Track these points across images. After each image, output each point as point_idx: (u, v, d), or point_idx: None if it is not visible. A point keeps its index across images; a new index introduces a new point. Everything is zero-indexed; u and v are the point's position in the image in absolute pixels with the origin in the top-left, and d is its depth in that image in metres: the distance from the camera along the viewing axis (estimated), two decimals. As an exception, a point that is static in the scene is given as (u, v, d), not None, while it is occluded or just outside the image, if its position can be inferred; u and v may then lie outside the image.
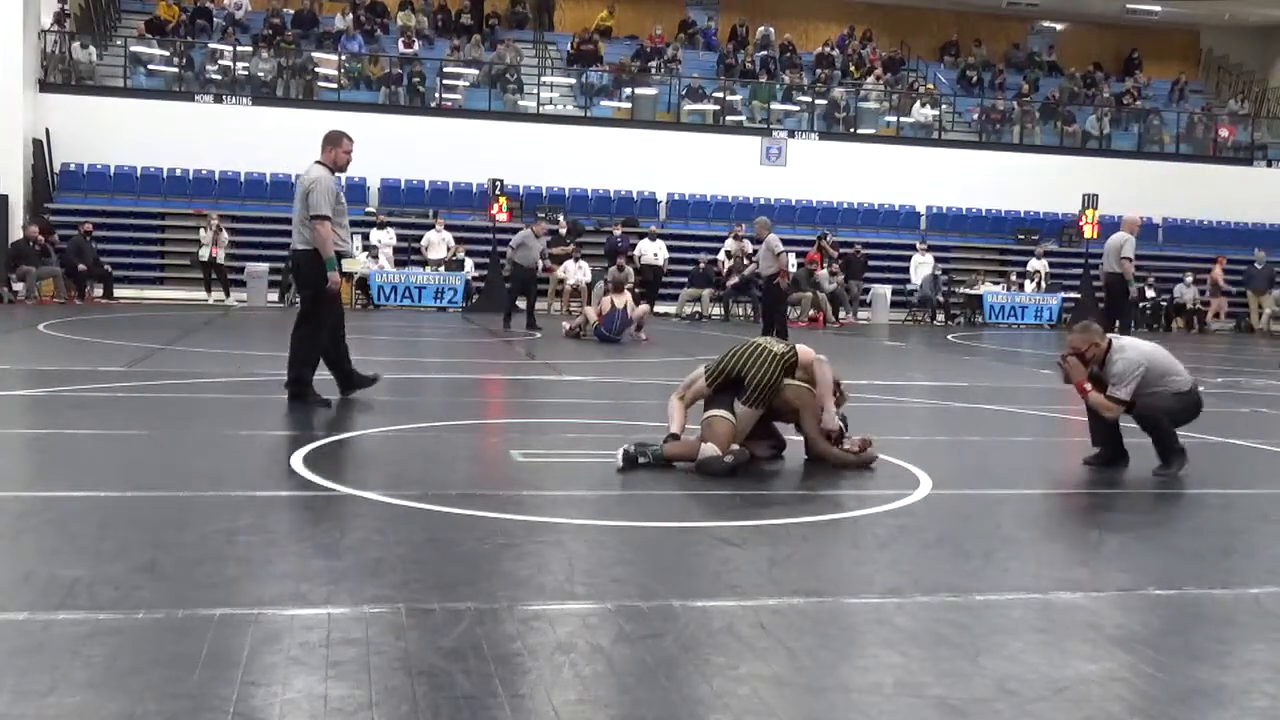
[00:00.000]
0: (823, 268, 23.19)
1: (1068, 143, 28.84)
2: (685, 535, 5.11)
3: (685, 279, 23.68)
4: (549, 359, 13.21)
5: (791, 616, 3.85)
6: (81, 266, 20.66)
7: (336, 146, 8.81)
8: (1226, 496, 6.50)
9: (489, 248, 22.54)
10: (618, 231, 23.96)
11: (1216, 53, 34.07)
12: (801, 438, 6.71)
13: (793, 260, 24.00)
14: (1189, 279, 25.79)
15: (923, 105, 28.66)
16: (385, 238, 22.62)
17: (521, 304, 18.49)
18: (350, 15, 27.37)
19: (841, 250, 24.43)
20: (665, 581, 4.26)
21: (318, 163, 8.83)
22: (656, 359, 13.66)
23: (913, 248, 25.75)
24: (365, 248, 22.34)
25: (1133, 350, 6.78)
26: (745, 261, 22.44)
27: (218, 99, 24.33)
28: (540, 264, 18.75)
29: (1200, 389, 7.05)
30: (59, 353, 12.42)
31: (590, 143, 25.63)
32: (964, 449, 7.94)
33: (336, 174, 8.92)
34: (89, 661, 3.21)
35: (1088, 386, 6.78)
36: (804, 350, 6.74)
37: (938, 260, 25.30)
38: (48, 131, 23.02)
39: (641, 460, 6.34)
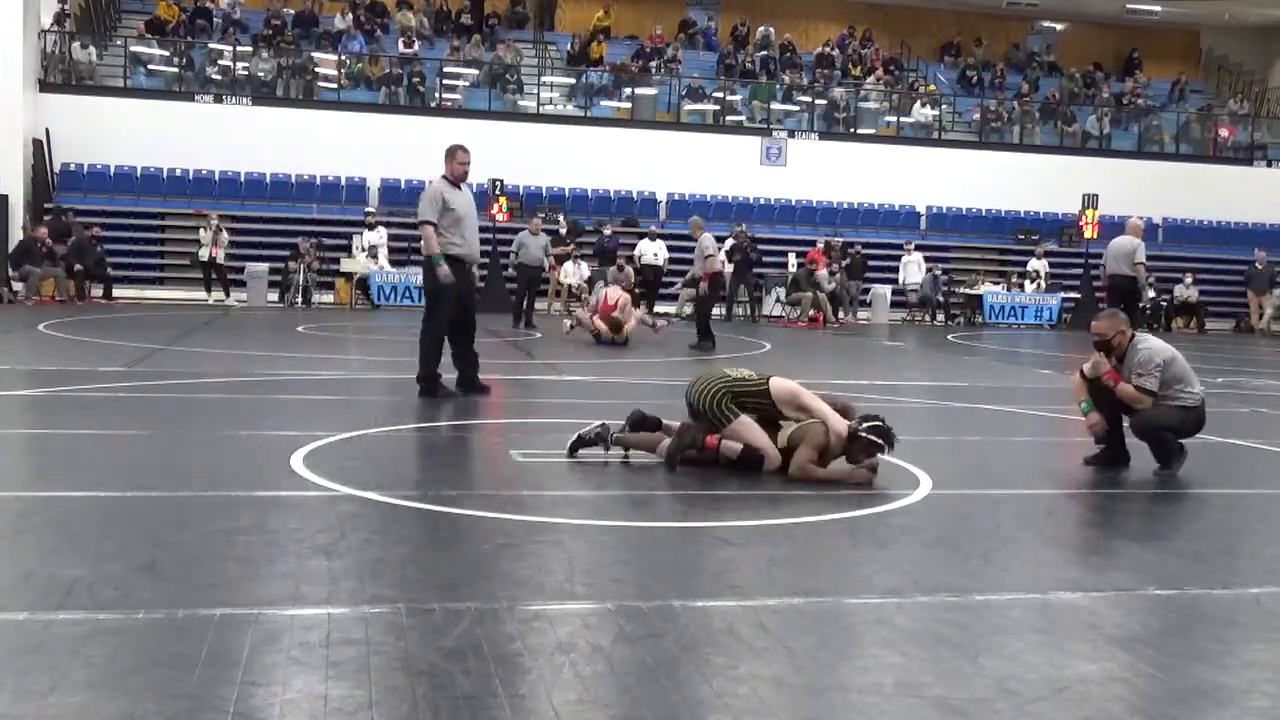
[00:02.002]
0: (824, 268, 23.16)
1: (1068, 143, 28.82)
2: (685, 535, 5.12)
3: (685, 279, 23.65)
4: (549, 359, 13.21)
5: (791, 616, 3.86)
6: (79, 267, 20.66)
7: (451, 159, 9.48)
8: (1226, 496, 6.50)
9: (489, 248, 22.52)
10: (607, 231, 23.80)
11: (1216, 53, 34.06)
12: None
13: (792, 260, 24.06)
14: (1189, 279, 25.81)
15: (923, 105, 28.65)
16: (375, 238, 22.58)
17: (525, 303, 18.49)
18: (350, 15, 27.37)
19: (847, 251, 24.44)
20: (665, 581, 4.26)
21: (442, 176, 9.45)
22: (658, 359, 13.66)
23: (914, 248, 25.74)
24: (365, 248, 22.37)
25: (1155, 342, 6.88)
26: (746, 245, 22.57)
27: (218, 99, 24.32)
28: (545, 261, 18.77)
29: (1205, 392, 7.05)
30: (59, 353, 12.41)
31: (590, 143, 25.62)
32: (964, 449, 7.94)
33: (458, 184, 9.48)
34: (89, 661, 3.21)
35: (1118, 376, 6.78)
36: (780, 385, 6.47)
37: (937, 260, 25.30)
38: (48, 131, 23.00)
39: (596, 444, 6.60)
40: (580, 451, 6.62)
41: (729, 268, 22.83)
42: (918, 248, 25.33)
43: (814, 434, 6.27)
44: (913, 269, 24.48)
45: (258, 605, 3.76)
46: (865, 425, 6.23)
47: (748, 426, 6.36)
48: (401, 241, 23.12)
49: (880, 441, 6.20)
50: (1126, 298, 14.81)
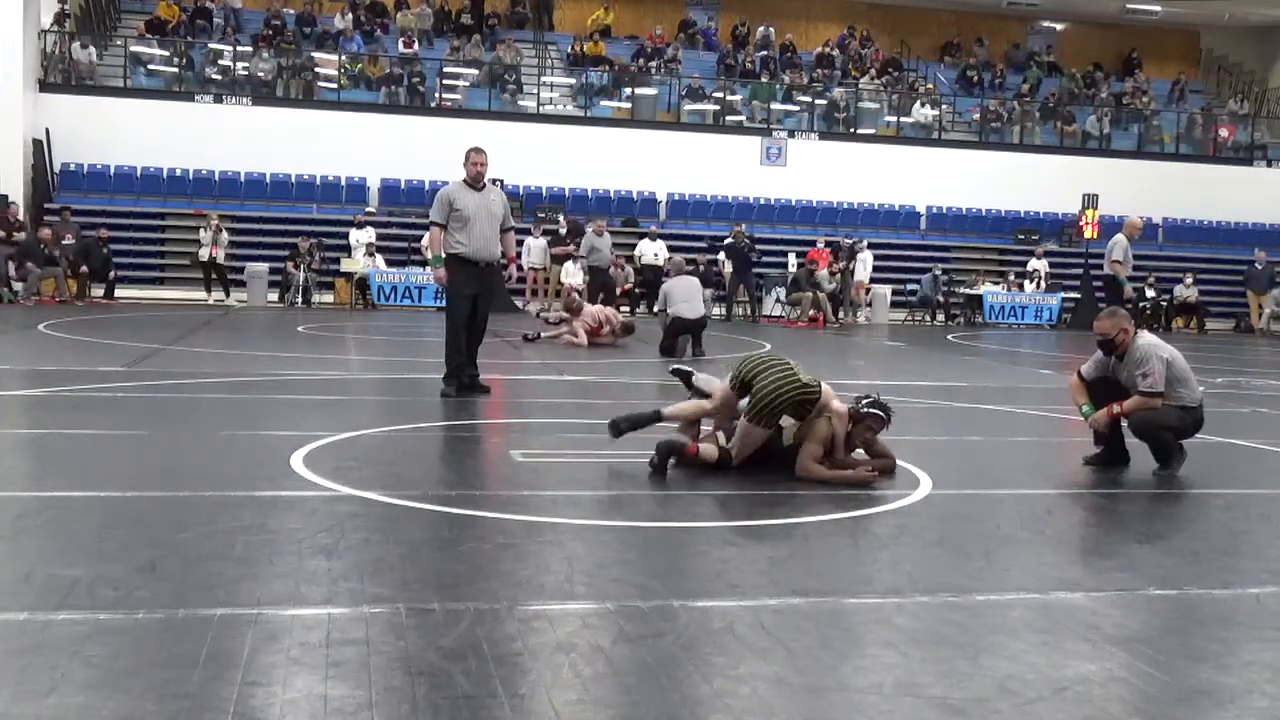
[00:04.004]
0: (826, 266, 23.12)
1: (1068, 143, 28.83)
2: (685, 535, 5.11)
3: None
4: (549, 359, 13.21)
5: (791, 616, 3.85)
6: (84, 268, 20.67)
7: (466, 161, 9.39)
8: (1227, 497, 6.50)
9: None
10: (590, 229, 23.61)
11: (1216, 53, 34.07)
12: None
13: (792, 260, 24.06)
14: (1188, 279, 25.82)
15: (923, 105, 28.66)
16: (363, 236, 22.57)
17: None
18: (350, 15, 27.38)
19: (855, 251, 24.41)
20: (665, 581, 4.26)
21: (461, 179, 9.41)
22: (658, 359, 13.66)
23: (914, 248, 25.69)
24: (354, 246, 22.41)
25: (1154, 339, 6.89)
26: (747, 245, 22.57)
27: (218, 99, 24.33)
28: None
29: (1205, 393, 7.05)
30: (59, 353, 12.41)
31: (590, 143, 25.63)
32: (964, 449, 7.94)
33: (476, 185, 9.34)
34: (89, 661, 3.21)
35: (1116, 409, 6.77)
36: (828, 393, 6.38)
37: (937, 260, 25.29)
38: (48, 131, 23.01)
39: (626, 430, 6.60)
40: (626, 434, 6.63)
41: (728, 268, 22.84)
42: (919, 247, 25.32)
43: (818, 429, 6.29)
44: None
45: (258, 605, 3.76)
46: (864, 404, 6.49)
47: (760, 438, 6.29)
48: (400, 241, 23.11)
49: (880, 414, 6.44)
50: (1110, 296, 14.94)
